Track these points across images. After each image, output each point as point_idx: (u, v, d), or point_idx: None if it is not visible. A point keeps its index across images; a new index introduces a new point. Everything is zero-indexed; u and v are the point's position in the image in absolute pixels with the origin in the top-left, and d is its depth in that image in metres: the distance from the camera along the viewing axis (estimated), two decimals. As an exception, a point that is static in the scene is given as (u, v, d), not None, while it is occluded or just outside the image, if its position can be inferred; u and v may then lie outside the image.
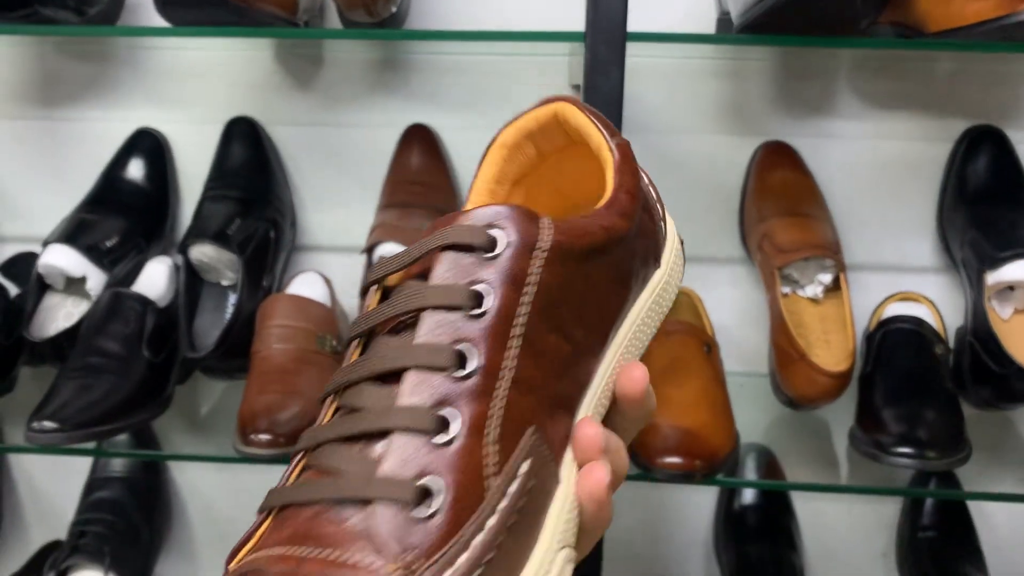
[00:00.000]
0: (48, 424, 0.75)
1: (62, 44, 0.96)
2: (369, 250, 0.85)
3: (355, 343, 0.33)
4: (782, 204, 0.88)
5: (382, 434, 0.29)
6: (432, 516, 0.27)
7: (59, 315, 0.89)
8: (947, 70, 0.91)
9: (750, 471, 0.90)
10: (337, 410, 0.32)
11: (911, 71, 0.90)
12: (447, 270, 0.31)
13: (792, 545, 0.96)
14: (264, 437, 0.75)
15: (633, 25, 0.69)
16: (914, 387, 0.81)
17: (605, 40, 0.66)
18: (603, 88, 0.67)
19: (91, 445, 0.83)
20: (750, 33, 0.73)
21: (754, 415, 0.88)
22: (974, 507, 0.96)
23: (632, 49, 0.70)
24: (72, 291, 0.89)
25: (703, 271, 0.95)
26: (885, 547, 1.00)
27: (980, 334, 0.82)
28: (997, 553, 0.94)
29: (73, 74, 0.96)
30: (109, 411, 0.79)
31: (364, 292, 0.35)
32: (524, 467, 0.29)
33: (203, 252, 0.87)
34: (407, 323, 0.32)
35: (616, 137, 0.38)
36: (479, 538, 0.27)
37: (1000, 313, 0.83)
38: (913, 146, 0.92)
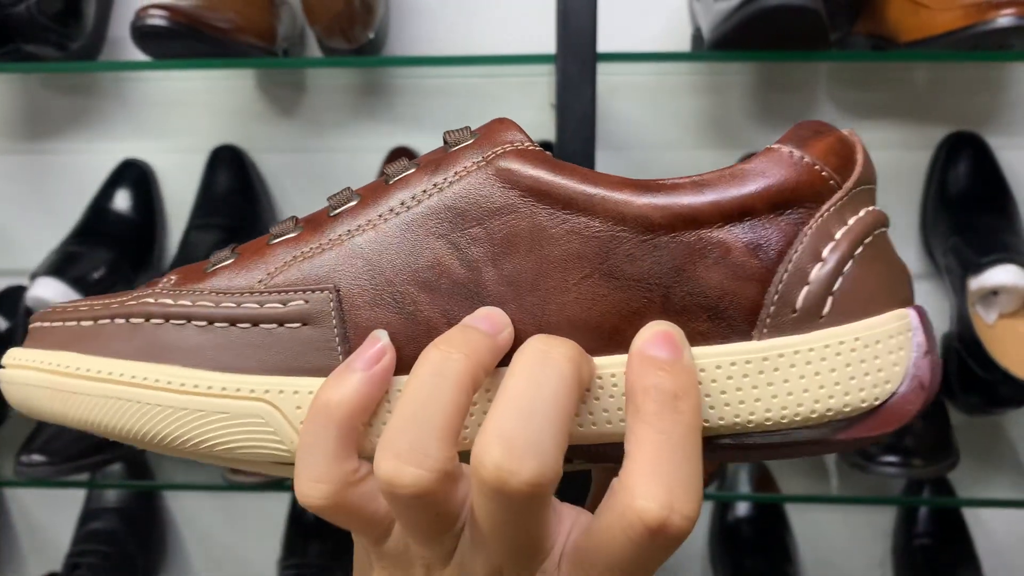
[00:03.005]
0: (37, 457, 0.76)
1: (46, 78, 0.96)
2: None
3: None
4: (764, 216, 0.89)
5: None
6: None
7: (48, 348, 0.89)
8: (924, 78, 0.91)
9: (743, 484, 0.89)
10: None
11: (889, 80, 0.91)
12: None
13: (788, 556, 0.96)
14: (251, 465, 0.75)
15: (608, 42, 0.70)
16: (899, 395, 0.81)
17: (576, 60, 0.67)
18: (575, 108, 0.67)
19: (83, 477, 0.83)
20: (720, 49, 0.73)
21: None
22: (969, 512, 0.95)
23: (609, 67, 0.70)
24: (61, 323, 0.90)
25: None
26: (881, 556, 1.00)
27: (965, 340, 0.82)
28: (993, 558, 0.93)
29: (58, 107, 0.97)
30: (98, 442, 0.80)
31: None
32: None
33: (189, 281, 0.88)
34: None
35: None
36: None
37: (985, 318, 0.84)
38: (893, 154, 0.92)
